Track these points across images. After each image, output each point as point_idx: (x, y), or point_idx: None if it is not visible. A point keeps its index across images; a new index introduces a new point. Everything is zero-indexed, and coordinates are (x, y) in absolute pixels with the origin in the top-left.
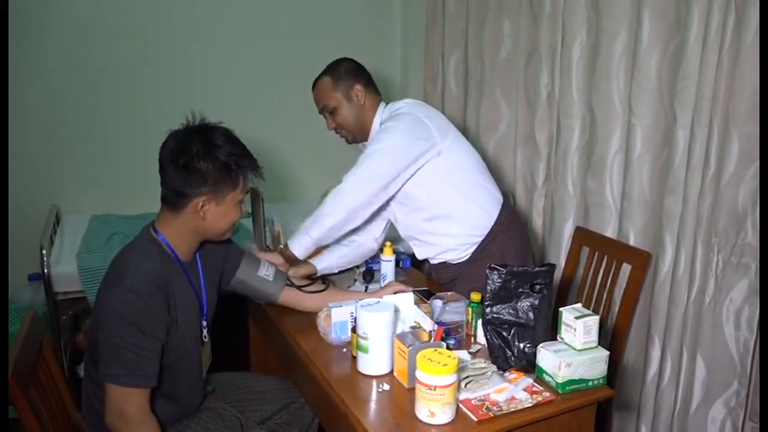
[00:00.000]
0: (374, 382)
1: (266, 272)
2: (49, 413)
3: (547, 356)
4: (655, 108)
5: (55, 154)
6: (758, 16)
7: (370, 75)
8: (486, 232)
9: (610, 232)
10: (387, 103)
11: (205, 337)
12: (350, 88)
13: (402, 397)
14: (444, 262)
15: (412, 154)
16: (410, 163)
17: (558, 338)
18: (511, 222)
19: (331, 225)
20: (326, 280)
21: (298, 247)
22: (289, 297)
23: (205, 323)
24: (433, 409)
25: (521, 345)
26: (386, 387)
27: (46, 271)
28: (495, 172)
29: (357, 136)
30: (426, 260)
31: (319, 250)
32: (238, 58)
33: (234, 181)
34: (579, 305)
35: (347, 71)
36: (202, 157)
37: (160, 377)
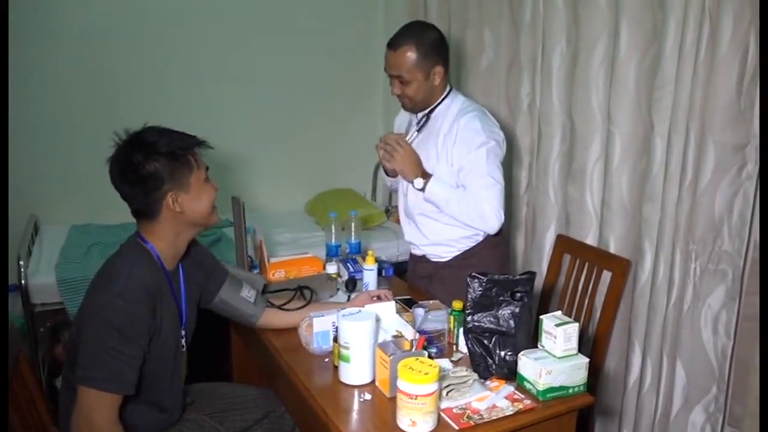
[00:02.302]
0: (356, 392)
1: (248, 294)
2: (23, 427)
3: (527, 364)
4: (633, 116)
5: (34, 162)
6: (732, 26)
7: (449, 50)
8: (473, 244)
9: (590, 240)
10: (451, 87)
11: (183, 346)
12: (432, 67)
13: (384, 406)
14: (424, 256)
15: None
16: None
17: (539, 346)
18: (498, 242)
19: (452, 212)
20: (306, 294)
21: (434, 187)
22: (268, 319)
23: (183, 333)
24: (415, 418)
25: (502, 353)
26: (368, 396)
27: (23, 282)
28: None
29: (417, 107)
30: (408, 262)
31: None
32: (218, 69)
33: (186, 163)
34: (559, 313)
35: (433, 47)
36: (146, 160)
37: (141, 385)
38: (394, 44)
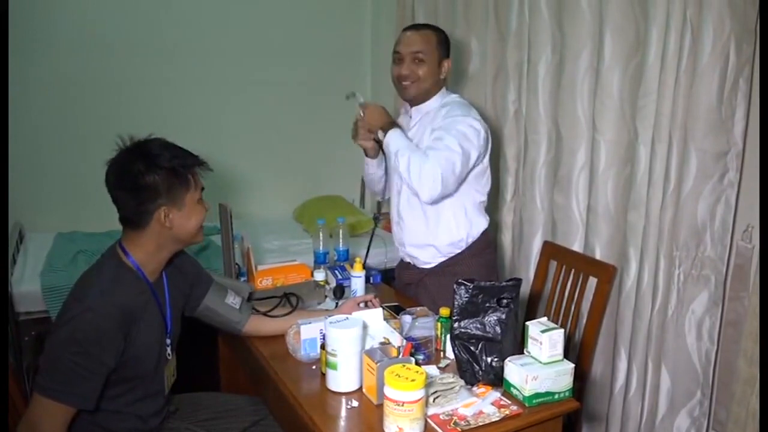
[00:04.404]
0: (343, 399)
1: (233, 301)
2: None
3: (514, 370)
4: (618, 124)
5: (18, 169)
6: (712, 37)
7: None
8: (458, 251)
9: (576, 246)
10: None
11: (168, 354)
12: (443, 58)
13: (371, 413)
14: (410, 263)
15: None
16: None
17: (525, 352)
18: (484, 249)
19: (399, 164)
20: (292, 300)
21: (392, 136)
22: (254, 326)
23: (168, 341)
24: (402, 425)
25: (489, 359)
26: (355, 404)
27: (8, 290)
28: None
29: (419, 96)
30: (395, 270)
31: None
32: (205, 76)
33: (185, 182)
34: (545, 319)
35: (447, 42)
36: (146, 171)
37: (117, 392)
38: (416, 26)
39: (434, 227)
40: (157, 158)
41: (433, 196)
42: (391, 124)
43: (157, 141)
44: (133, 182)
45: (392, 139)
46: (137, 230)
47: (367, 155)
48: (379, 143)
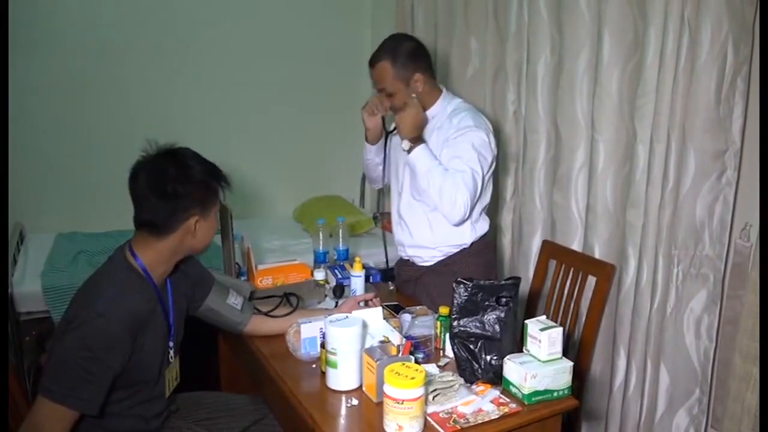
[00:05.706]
0: (343, 398)
1: (235, 301)
2: None
3: (513, 368)
4: (617, 124)
5: (19, 170)
6: (710, 36)
7: (430, 56)
8: (456, 250)
9: (576, 245)
10: (446, 89)
11: (171, 358)
12: (410, 76)
13: (371, 411)
14: (409, 260)
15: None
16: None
17: (524, 350)
18: (484, 249)
19: (429, 186)
20: (293, 300)
21: (420, 153)
22: (255, 326)
23: (171, 344)
24: (401, 422)
25: (488, 357)
26: (355, 402)
27: (9, 290)
28: None
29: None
30: (395, 268)
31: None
32: (206, 76)
33: (215, 195)
34: (544, 317)
35: (408, 56)
36: (182, 180)
37: (123, 395)
38: (372, 61)
39: (437, 229)
40: (192, 169)
41: (460, 221)
42: (419, 139)
43: (188, 150)
44: (168, 188)
45: (421, 158)
46: (158, 236)
47: (367, 140)
48: (386, 132)
